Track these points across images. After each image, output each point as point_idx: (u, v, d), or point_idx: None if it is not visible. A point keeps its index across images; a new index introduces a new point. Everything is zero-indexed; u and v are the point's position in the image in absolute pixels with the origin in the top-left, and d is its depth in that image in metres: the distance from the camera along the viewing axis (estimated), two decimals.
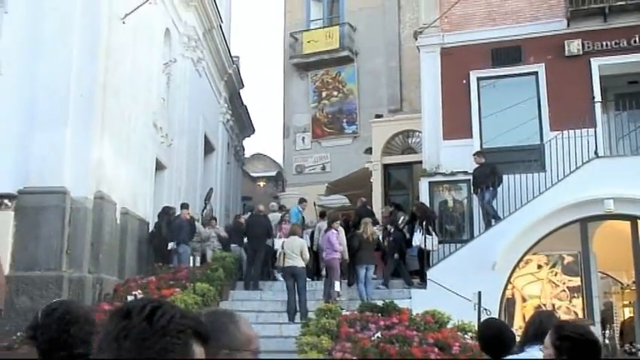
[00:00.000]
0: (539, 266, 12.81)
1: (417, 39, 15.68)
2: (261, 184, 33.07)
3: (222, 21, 21.22)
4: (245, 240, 14.36)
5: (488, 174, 13.12)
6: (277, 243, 13.66)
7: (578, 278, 12.14)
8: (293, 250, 11.52)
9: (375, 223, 14.61)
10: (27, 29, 11.93)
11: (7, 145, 11.45)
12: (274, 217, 15.37)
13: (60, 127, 11.48)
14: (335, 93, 24.25)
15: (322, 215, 15.14)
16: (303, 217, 15.63)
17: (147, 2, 13.32)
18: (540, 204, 12.03)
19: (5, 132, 11.51)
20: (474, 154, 13.70)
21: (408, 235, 13.56)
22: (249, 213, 16.03)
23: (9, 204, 11.14)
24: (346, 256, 12.56)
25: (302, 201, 16.10)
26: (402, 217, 14.19)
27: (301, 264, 11.56)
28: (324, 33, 24.23)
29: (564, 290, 12.48)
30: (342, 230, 12.98)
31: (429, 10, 15.65)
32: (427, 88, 15.21)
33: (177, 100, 17.49)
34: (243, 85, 26.43)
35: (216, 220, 16.92)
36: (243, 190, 30.04)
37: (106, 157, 12.27)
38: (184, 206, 14.81)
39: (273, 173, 33.61)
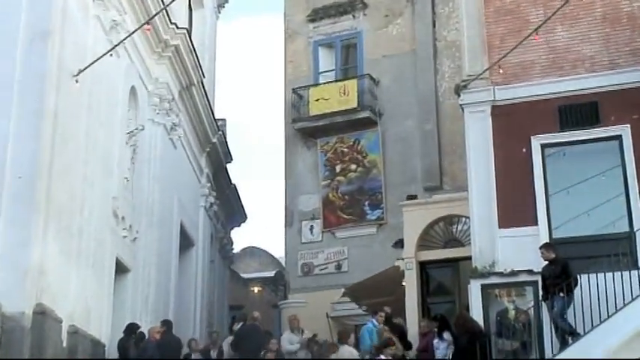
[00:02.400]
0: None
1: (459, 95, 15.79)
2: (256, 289, 32.99)
3: (204, 76, 21.69)
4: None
5: (559, 274, 13.10)
6: None
7: None
8: None
9: (407, 346, 14.50)
10: None
11: None
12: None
13: None
14: (353, 167, 24.45)
15: (341, 338, 14.69)
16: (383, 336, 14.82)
17: (107, 54, 13.67)
18: (634, 313, 11.93)
19: None
20: (541, 248, 13.61)
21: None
22: (241, 323, 15.93)
23: None
24: None
25: (377, 312, 15.55)
26: None
27: None
28: (338, 88, 24.64)
29: None
30: None
31: (475, 56, 15.89)
32: (475, 159, 15.29)
33: (145, 179, 17.69)
34: (231, 159, 26.79)
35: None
36: (232, 297, 30.11)
37: (49, 260, 12.29)
38: (166, 324, 14.83)
39: (272, 274, 33.58)
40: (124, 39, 14.73)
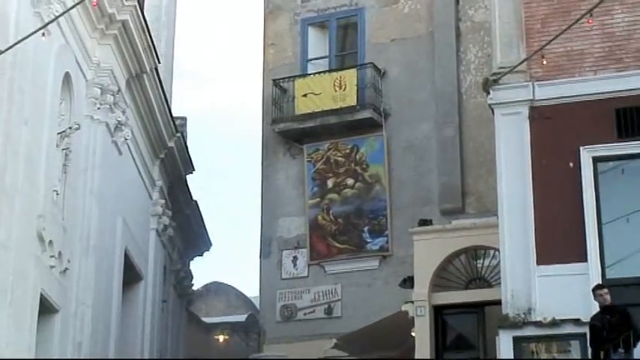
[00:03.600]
0: None
1: (488, 92, 15.90)
2: (222, 337, 32.79)
3: (159, 62, 21.62)
4: None
5: (615, 324, 13.07)
6: None
7: None
8: None
9: None
10: None
11: None
12: None
13: None
14: (349, 182, 24.45)
15: None
16: None
17: (38, 32, 13.59)
18: None
19: None
20: (594, 290, 13.60)
21: None
22: None
23: None
24: None
25: None
26: None
27: None
28: (332, 80, 24.72)
29: None
30: None
31: (509, 43, 15.99)
32: (508, 175, 15.36)
33: (80, 194, 17.61)
34: (192, 169, 26.75)
35: None
36: (191, 347, 29.84)
37: None
38: None
39: (242, 318, 33.43)
40: (60, 15, 14.60)
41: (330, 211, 24.48)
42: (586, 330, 13.62)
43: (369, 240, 24.02)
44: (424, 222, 20.36)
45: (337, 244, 24.27)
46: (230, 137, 70.78)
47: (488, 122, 17.05)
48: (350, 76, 24.62)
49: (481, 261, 19.03)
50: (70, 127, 17.01)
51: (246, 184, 65.46)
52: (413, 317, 18.72)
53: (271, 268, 24.70)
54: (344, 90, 24.36)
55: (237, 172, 70.50)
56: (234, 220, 65.22)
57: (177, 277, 27.87)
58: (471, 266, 19.08)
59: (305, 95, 24.74)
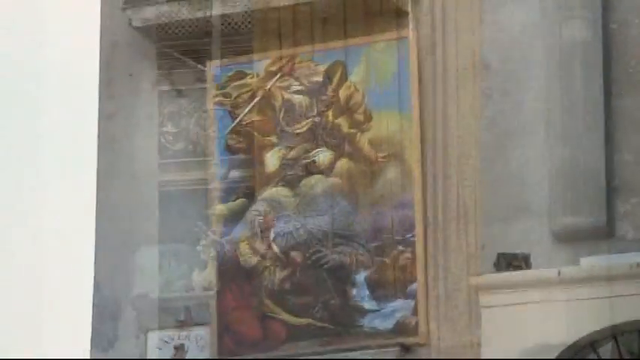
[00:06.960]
0: None
1: None
2: None
3: None
4: None
5: None
6: None
7: None
8: None
9: None
10: None
11: None
12: None
13: None
14: (323, 156, 21.30)
15: None
16: None
17: None
18: None
19: None
20: None
21: None
22: None
23: None
24: None
25: None
26: None
27: None
28: None
29: None
30: None
31: None
32: None
33: None
34: None
35: None
36: None
37: None
38: None
39: None
40: None
41: (272, 232, 20.83)
42: None
43: (369, 306, 20.48)
44: (510, 261, 18.57)
45: (288, 315, 20.89)
46: (27, 41, 67.39)
47: None
48: None
49: None
50: None
51: (61, 160, 63.04)
52: None
53: None
54: None
55: (42, 125, 67.18)
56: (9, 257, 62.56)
57: None
58: None
59: None
